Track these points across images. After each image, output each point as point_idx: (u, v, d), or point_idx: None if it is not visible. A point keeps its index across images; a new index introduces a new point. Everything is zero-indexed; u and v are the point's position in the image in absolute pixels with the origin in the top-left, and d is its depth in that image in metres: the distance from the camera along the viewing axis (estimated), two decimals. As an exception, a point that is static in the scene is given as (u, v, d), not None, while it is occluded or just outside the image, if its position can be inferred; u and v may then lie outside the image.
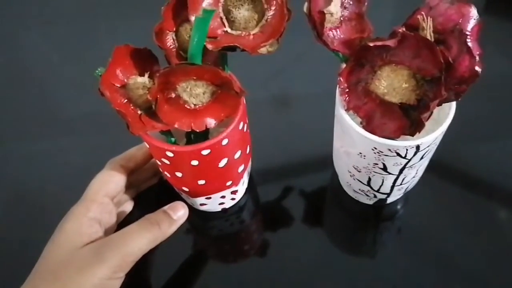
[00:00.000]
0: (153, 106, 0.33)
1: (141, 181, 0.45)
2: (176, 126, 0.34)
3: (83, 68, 0.59)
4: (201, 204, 0.43)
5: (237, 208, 0.46)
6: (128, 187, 0.42)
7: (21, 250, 0.45)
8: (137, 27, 0.58)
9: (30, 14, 0.70)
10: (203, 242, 0.46)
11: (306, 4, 0.33)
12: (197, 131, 0.34)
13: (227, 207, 0.45)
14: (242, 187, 0.44)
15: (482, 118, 0.53)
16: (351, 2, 0.35)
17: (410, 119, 0.33)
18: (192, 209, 0.45)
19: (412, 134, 0.33)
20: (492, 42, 0.61)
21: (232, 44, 0.33)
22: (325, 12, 0.33)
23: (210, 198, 0.41)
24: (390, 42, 0.31)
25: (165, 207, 0.38)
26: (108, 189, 0.38)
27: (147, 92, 0.33)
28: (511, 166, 0.49)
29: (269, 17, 0.33)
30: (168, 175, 0.38)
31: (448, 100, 0.33)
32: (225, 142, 0.35)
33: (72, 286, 0.32)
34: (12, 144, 0.54)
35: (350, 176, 0.41)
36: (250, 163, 0.44)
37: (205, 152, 0.34)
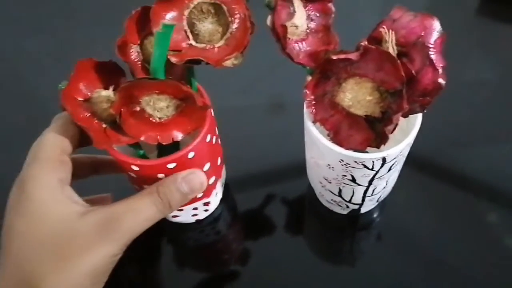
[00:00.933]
0: (117, 120, 0.33)
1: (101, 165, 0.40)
2: (142, 139, 0.33)
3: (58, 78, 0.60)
4: (173, 216, 0.43)
5: (212, 219, 0.46)
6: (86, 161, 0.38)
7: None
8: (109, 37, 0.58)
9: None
10: (179, 253, 0.46)
11: (269, 17, 0.33)
12: (164, 144, 0.34)
13: (200, 218, 0.45)
14: (215, 198, 0.44)
15: (464, 122, 0.53)
16: (317, 14, 0.35)
17: (375, 131, 0.33)
18: (165, 221, 0.45)
19: (378, 146, 0.33)
20: (481, 46, 0.62)
21: (196, 57, 0.33)
22: (290, 25, 0.33)
23: (182, 210, 0.41)
24: (353, 55, 0.31)
25: (179, 178, 0.34)
26: (64, 145, 0.32)
27: (110, 105, 0.33)
28: (490, 170, 0.49)
29: (233, 30, 0.33)
30: (136, 187, 0.38)
31: (413, 112, 0.33)
32: (191, 155, 0.34)
33: (79, 265, 0.28)
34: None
35: (322, 186, 0.41)
36: (223, 174, 0.44)
37: (170, 165, 0.34)
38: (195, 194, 0.35)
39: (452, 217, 0.46)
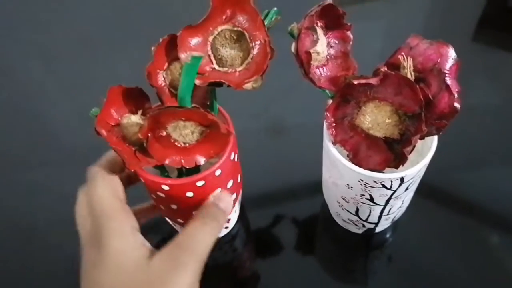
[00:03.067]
0: (144, 144, 0.34)
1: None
2: (166, 162, 0.35)
3: (81, 102, 0.62)
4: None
5: (230, 237, 0.47)
6: None
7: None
8: (130, 63, 0.60)
9: (30, 48, 0.72)
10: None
11: (293, 45, 0.34)
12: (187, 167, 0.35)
13: (220, 236, 0.46)
14: (234, 215, 0.45)
15: (470, 145, 0.55)
16: (336, 42, 0.37)
17: (394, 152, 0.35)
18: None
19: (396, 167, 0.35)
20: (481, 71, 0.63)
21: (218, 80, 0.34)
22: (312, 51, 0.34)
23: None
24: (373, 80, 0.33)
25: (211, 200, 0.36)
26: (120, 195, 0.34)
27: (140, 130, 0.34)
28: (500, 192, 0.50)
29: (253, 55, 0.35)
30: (163, 207, 0.39)
31: (429, 134, 0.34)
32: (218, 172, 0.36)
33: None
34: (12, 173, 0.55)
35: (339, 206, 0.42)
36: (241, 192, 0.45)
37: (199, 183, 0.35)
38: (228, 207, 0.37)
39: (457, 240, 0.47)
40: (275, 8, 0.35)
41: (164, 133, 0.34)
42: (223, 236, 0.47)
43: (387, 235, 0.47)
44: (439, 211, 0.49)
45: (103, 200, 0.33)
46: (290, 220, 0.49)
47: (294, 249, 0.47)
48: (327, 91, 0.36)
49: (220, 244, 0.47)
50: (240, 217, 0.48)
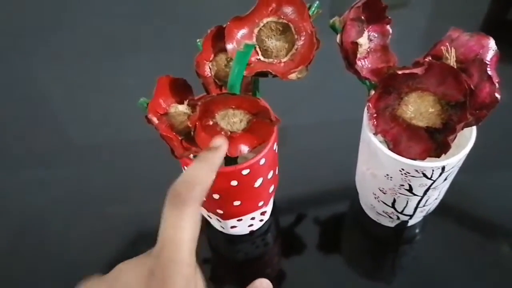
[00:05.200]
0: (192, 132, 0.35)
1: None
2: None
3: (109, 99, 0.62)
4: (232, 227, 0.44)
5: (263, 231, 0.48)
6: None
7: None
8: (160, 61, 0.61)
9: (61, 47, 0.73)
10: (229, 266, 0.47)
11: (338, 36, 0.35)
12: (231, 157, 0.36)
13: (255, 229, 0.47)
14: (269, 208, 0.46)
15: (499, 147, 0.55)
16: (376, 35, 0.38)
17: (435, 142, 0.36)
18: (218, 233, 0.46)
19: (438, 156, 0.35)
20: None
21: (264, 70, 0.35)
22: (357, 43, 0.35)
23: (241, 220, 0.43)
24: (418, 70, 0.34)
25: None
26: (195, 244, 0.29)
27: (187, 119, 0.35)
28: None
29: (298, 46, 0.36)
30: (204, 198, 0.40)
31: (469, 124, 0.35)
32: (262, 161, 0.37)
33: None
34: (29, 171, 0.56)
35: (375, 198, 0.43)
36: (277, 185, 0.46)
37: (245, 172, 0.36)
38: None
39: (484, 241, 0.48)
40: (317, 2, 0.36)
41: (211, 122, 0.35)
42: (257, 230, 0.47)
43: (417, 230, 0.48)
44: (469, 211, 0.50)
45: (183, 246, 0.28)
46: (319, 215, 0.50)
47: (323, 244, 0.48)
48: (367, 83, 0.37)
49: (253, 238, 0.47)
50: (272, 212, 0.49)
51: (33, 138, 0.59)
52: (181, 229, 0.28)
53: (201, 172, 0.31)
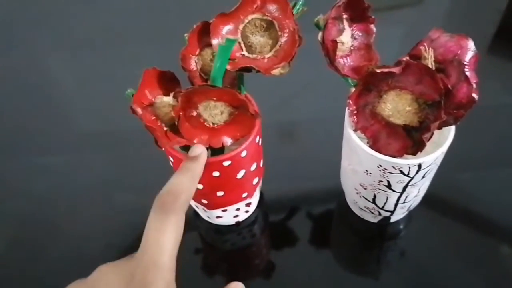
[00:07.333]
0: (176, 123, 0.36)
1: None
2: (195, 142, 0.37)
3: (105, 89, 0.64)
4: (217, 217, 0.45)
5: (249, 222, 0.49)
6: None
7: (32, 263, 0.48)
8: (155, 52, 0.62)
9: (59, 38, 0.75)
10: (215, 256, 0.49)
11: (320, 33, 0.36)
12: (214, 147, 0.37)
13: (240, 220, 0.48)
14: (255, 199, 0.47)
15: (485, 146, 0.56)
16: (360, 34, 0.38)
17: (412, 139, 0.36)
18: (205, 224, 0.48)
19: (414, 153, 0.36)
20: (498, 82, 0.64)
21: (248, 66, 0.36)
22: (337, 41, 0.36)
23: (226, 210, 0.44)
24: (395, 69, 0.34)
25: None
26: (176, 250, 0.30)
27: (172, 110, 0.36)
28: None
29: (282, 43, 0.37)
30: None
31: (447, 123, 0.36)
32: (244, 154, 0.38)
33: None
34: (33, 158, 0.58)
35: (357, 193, 0.44)
36: (262, 177, 0.47)
37: (226, 163, 0.37)
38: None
39: (470, 235, 0.48)
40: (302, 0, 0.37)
41: (195, 113, 0.36)
42: (243, 221, 0.49)
43: (401, 226, 0.48)
44: (453, 207, 0.51)
45: (166, 247, 0.29)
46: (306, 209, 0.51)
47: (310, 237, 0.49)
48: (349, 80, 0.38)
49: (239, 229, 0.49)
50: (258, 205, 0.50)
51: (35, 126, 0.61)
52: (164, 234, 0.29)
53: (184, 181, 0.34)
